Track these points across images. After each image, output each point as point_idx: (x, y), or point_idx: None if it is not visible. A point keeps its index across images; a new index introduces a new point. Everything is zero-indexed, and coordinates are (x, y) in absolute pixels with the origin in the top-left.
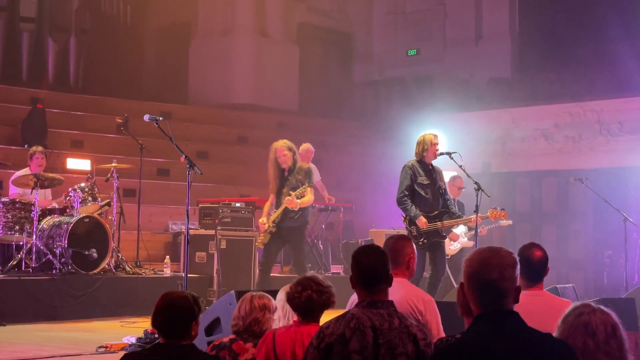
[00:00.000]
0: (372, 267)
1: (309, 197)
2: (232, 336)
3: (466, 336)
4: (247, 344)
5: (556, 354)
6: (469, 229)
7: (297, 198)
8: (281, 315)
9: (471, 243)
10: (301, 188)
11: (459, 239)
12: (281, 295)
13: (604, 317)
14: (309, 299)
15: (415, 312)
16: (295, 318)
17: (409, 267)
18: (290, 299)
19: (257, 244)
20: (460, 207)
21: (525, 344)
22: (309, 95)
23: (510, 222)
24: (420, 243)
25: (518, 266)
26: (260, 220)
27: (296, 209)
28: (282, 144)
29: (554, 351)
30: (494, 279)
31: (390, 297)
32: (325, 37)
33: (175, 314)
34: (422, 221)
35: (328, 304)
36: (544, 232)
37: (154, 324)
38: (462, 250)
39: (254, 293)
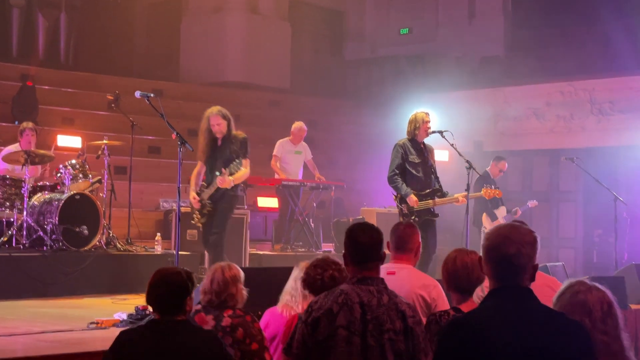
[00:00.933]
0: (367, 245)
1: (244, 172)
2: (197, 307)
3: (478, 309)
4: (208, 316)
5: (569, 333)
6: (507, 211)
7: (230, 175)
8: (298, 293)
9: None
10: (234, 164)
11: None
12: (296, 272)
13: (600, 295)
14: (332, 278)
15: (422, 304)
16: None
17: (416, 254)
18: (312, 283)
19: (194, 222)
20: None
21: (537, 320)
22: (301, 74)
23: (535, 202)
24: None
25: (538, 245)
26: (191, 196)
27: (229, 187)
28: (216, 111)
29: (567, 330)
30: (510, 254)
31: (397, 287)
32: (317, 15)
33: (169, 289)
34: (412, 199)
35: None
36: (535, 210)
37: (148, 300)
38: None
39: (222, 264)
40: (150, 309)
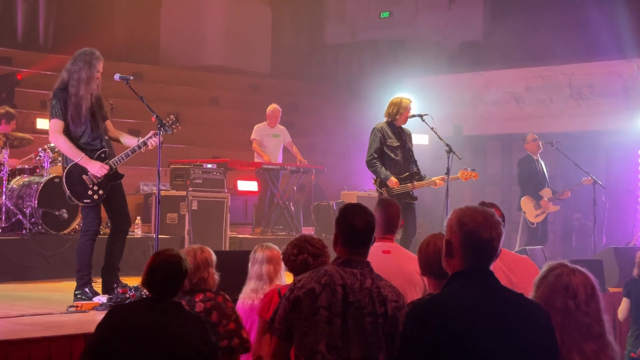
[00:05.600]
0: (363, 229)
1: None
2: None
3: (443, 292)
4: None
5: (531, 316)
6: (553, 192)
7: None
8: (263, 273)
9: (557, 207)
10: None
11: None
12: (259, 255)
13: (584, 277)
14: (304, 262)
15: (422, 284)
16: (276, 280)
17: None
18: (286, 260)
19: (88, 201)
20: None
21: (499, 303)
22: (281, 57)
23: (590, 179)
24: None
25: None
26: (101, 166)
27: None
28: (101, 55)
29: (529, 312)
30: (492, 238)
31: (398, 267)
32: None
33: (171, 273)
34: (393, 181)
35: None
36: (514, 194)
37: (148, 282)
38: (547, 215)
39: (195, 247)
40: (130, 292)
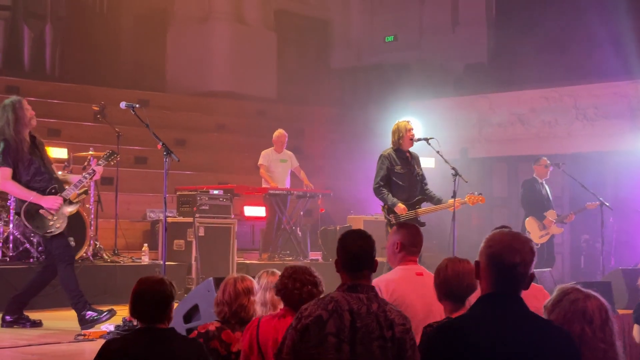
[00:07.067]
0: (358, 254)
1: None
2: (217, 324)
3: (464, 315)
4: (235, 333)
5: (558, 342)
6: (558, 215)
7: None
8: (267, 300)
9: (561, 229)
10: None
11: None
12: (263, 281)
13: (599, 303)
14: (310, 294)
15: None
16: (280, 306)
17: None
18: (289, 294)
19: (51, 231)
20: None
21: (525, 327)
22: (287, 83)
23: (596, 204)
24: None
25: (536, 254)
26: (59, 201)
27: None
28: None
29: (556, 339)
30: (516, 263)
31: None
32: (303, 24)
33: (156, 298)
34: (400, 207)
35: (322, 293)
36: (522, 216)
37: (134, 310)
38: (552, 237)
39: (236, 276)
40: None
